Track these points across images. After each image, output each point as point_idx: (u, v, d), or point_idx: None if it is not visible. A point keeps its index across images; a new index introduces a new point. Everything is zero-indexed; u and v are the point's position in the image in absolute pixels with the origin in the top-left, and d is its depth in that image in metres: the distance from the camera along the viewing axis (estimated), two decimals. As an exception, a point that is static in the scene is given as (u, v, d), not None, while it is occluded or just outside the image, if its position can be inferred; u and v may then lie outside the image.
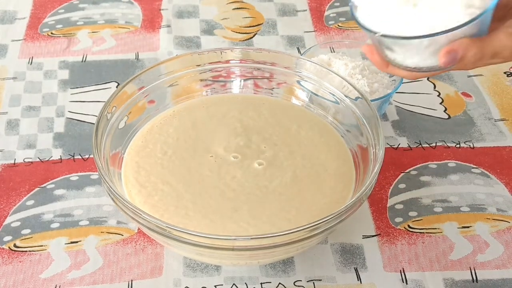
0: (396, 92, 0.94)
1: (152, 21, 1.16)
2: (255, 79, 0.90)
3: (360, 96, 0.82)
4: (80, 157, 0.90)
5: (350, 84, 0.83)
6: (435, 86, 1.02)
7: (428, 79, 1.02)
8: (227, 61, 0.89)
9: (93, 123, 0.78)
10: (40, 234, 0.80)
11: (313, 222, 0.68)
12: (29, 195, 0.85)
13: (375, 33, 0.63)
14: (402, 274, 0.77)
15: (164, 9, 1.19)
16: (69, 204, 0.84)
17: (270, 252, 0.69)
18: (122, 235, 0.81)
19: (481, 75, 1.03)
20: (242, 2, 1.22)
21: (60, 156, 0.90)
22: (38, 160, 0.90)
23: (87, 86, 1.02)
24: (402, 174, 0.89)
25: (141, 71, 0.85)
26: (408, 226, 0.82)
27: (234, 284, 0.76)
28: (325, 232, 0.69)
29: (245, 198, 0.76)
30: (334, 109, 0.86)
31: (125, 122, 0.83)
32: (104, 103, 0.80)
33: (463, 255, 0.79)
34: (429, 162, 0.90)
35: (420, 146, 0.92)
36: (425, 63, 0.65)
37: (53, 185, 0.86)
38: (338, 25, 1.16)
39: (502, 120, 0.92)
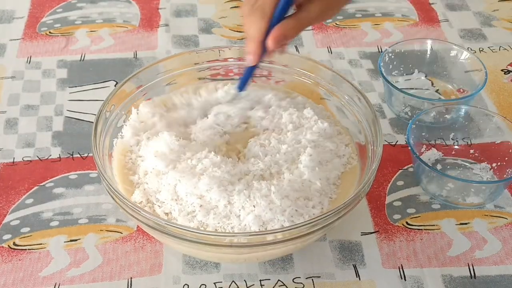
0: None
1: (150, 20, 1.16)
2: (254, 77, 0.90)
3: (358, 93, 0.82)
4: (79, 155, 0.90)
5: (348, 81, 0.84)
6: (432, 83, 1.02)
7: (425, 76, 1.03)
8: (225, 59, 0.90)
9: (92, 122, 0.78)
10: (39, 232, 0.81)
11: (312, 219, 0.68)
12: (28, 193, 0.85)
13: None
14: (401, 270, 0.77)
15: (162, 8, 1.19)
16: (68, 202, 0.84)
17: (269, 249, 0.69)
18: (121, 233, 0.81)
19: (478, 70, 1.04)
20: (240, 1, 1.22)
21: (59, 154, 0.90)
22: (37, 158, 0.90)
23: (86, 85, 1.02)
24: (400, 171, 0.89)
25: (139, 69, 0.86)
26: (406, 223, 0.82)
27: (233, 281, 0.76)
28: (323, 229, 0.70)
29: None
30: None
31: (124, 121, 0.83)
32: (102, 101, 0.80)
33: (461, 251, 0.79)
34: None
35: (418, 142, 0.92)
36: None
37: (52, 184, 0.86)
38: (336, 24, 1.16)
39: (499, 116, 0.92)
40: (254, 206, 0.71)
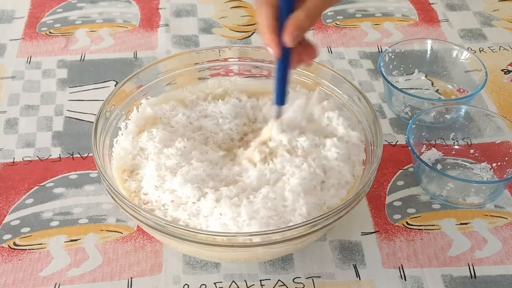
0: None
1: (150, 20, 1.16)
2: (254, 77, 0.90)
3: (358, 93, 0.82)
4: (79, 155, 0.90)
5: (348, 81, 0.84)
6: (433, 83, 1.02)
7: (425, 76, 1.03)
8: (225, 59, 0.90)
9: (92, 122, 0.78)
10: (39, 232, 0.81)
11: (312, 219, 0.68)
12: (28, 193, 0.85)
13: None
14: (401, 270, 0.77)
15: (162, 8, 1.19)
16: (68, 202, 0.84)
17: (269, 249, 0.69)
18: (122, 233, 0.81)
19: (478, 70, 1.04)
20: (240, 0, 1.22)
21: (59, 154, 0.90)
22: (37, 158, 0.90)
23: (86, 85, 1.02)
24: (400, 171, 0.89)
25: (139, 69, 0.86)
26: (407, 223, 0.82)
27: (233, 281, 0.76)
28: (324, 228, 0.70)
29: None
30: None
31: (124, 120, 0.83)
32: (102, 101, 0.80)
33: (461, 251, 0.79)
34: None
35: (419, 142, 0.92)
36: None
37: (52, 184, 0.86)
38: (336, 23, 1.16)
39: (499, 116, 0.92)
40: (221, 214, 0.70)
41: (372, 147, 0.77)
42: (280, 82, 0.72)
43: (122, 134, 0.81)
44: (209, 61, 0.89)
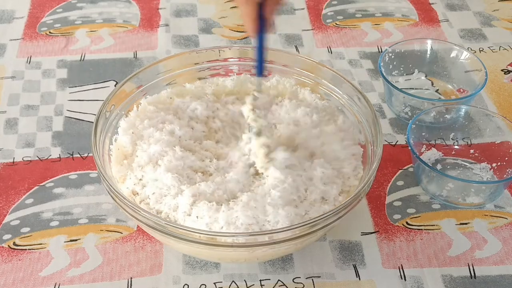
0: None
1: (150, 20, 1.16)
2: (254, 77, 0.90)
3: (358, 93, 0.82)
4: (79, 155, 0.90)
5: (348, 81, 0.84)
6: (433, 83, 1.02)
7: (425, 76, 1.03)
8: (225, 59, 0.90)
9: (92, 122, 0.78)
10: (39, 232, 0.81)
11: (312, 219, 0.68)
12: (28, 193, 0.85)
13: None
14: (401, 270, 0.77)
15: (162, 8, 1.19)
16: (68, 202, 0.84)
17: (269, 249, 0.69)
18: (121, 233, 0.81)
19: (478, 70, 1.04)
20: (240, 0, 1.22)
21: (59, 154, 0.90)
22: (37, 158, 0.90)
23: (86, 85, 1.02)
24: (400, 171, 0.89)
25: (139, 69, 0.86)
26: (407, 223, 0.82)
27: (233, 281, 0.76)
28: (323, 228, 0.70)
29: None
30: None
31: (124, 121, 0.83)
32: (102, 101, 0.80)
33: (461, 251, 0.79)
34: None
35: (418, 142, 0.92)
36: None
37: (52, 184, 0.86)
38: (336, 24, 1.16)
39: (499, 116, 0.92)
40: (197, 216, 0.70)
41: (372, 147, 0.78)
42: (259, 57, 0.77)
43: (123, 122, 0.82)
44: (209, 61, 0.90)
